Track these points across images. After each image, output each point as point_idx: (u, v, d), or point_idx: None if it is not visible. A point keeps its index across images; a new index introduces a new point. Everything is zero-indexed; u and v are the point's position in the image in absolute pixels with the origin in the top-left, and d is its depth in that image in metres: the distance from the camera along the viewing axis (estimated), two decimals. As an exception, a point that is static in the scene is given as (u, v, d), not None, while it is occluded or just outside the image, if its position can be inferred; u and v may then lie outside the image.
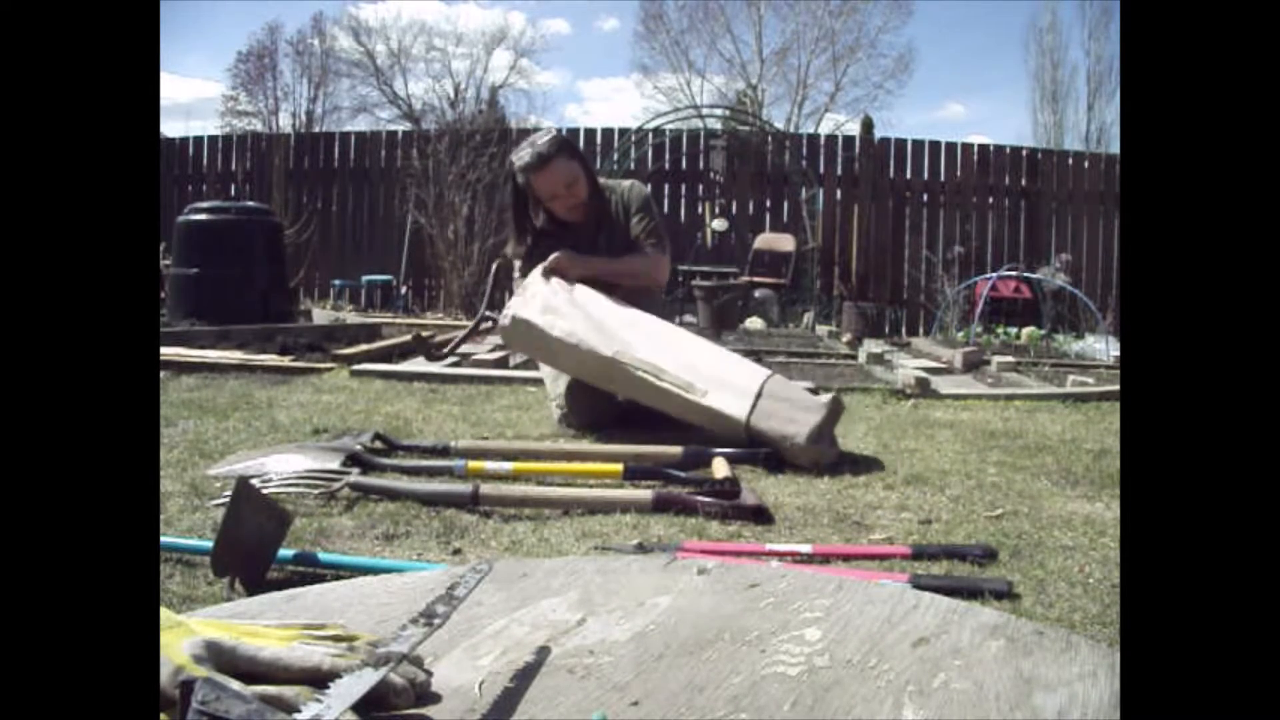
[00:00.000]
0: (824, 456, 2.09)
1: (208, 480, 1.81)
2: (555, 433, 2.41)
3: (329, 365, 3.72)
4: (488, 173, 8.29)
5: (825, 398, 2.28)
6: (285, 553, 1.32)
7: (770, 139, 10.03)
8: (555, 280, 2.43)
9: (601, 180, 2.84)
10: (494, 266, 2.80)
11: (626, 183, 2.86)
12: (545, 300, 2.35)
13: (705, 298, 6.81)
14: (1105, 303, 7.07)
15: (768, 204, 9.56)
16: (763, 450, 2.09)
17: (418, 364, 3.96)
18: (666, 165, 9.55)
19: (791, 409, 2.16)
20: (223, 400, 2.85)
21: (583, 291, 2.43)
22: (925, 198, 9.39)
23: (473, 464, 1.92)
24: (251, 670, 0.65)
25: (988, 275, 7.52)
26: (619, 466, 1.91)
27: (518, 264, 2.78)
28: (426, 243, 8.57)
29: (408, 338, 4.96)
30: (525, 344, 2.29)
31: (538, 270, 2.44)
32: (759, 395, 2.14)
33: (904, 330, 8.56)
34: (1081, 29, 28.15)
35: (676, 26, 24.16)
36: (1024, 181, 9.33)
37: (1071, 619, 1.20)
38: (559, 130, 2.72)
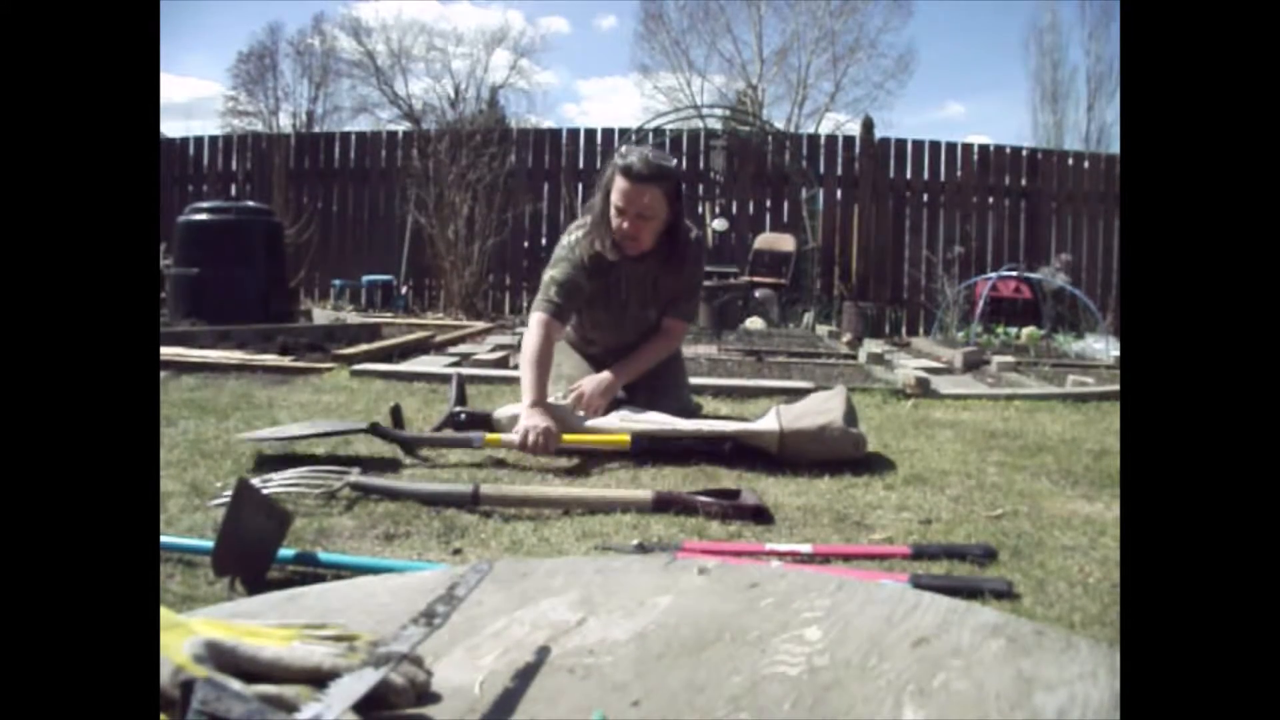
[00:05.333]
0: (862, 441, 2.12)
1: (208, 480, 1.81)
2: None
3: (329, 365, 3.72)
4: (488, 173, 8.29)
5: (836, 388, 2.33)
6: (285, 553, 1.32)
7: (770, 139, 10.03)
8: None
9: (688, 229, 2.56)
10: (455, 376, 2.58)
11: (695, 232, 2.61)
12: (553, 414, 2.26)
13: (705, 298, 6.80)
14: (1105, 303, 7.07)
15: (768, 204, 9.56)
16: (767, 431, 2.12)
17: (418, 364, 3.96)
18: (667, 165, 9.55)
19: (814, 405, 2.21)
20: (223, 400, 2.85)
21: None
22: (925, 198, 9.39)
23: (490, 436, 2.00)
24: (252, 670, 0.65)
25: (988, 275, 7.52)
26: (626, 436, 2.04)
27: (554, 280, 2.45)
28: (427, 243, 8.57)
29: (410, 337, 4.97)
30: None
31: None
32: (778, 413, 2.17)
33: (904, 330, 8.56)
34: (1081, 29, 28.17)
35: (676, 26, 24.21)
36: (1024, 181, 9.33)
37: (1071, 619, 1.20)
38: (675, 162, 2.47)
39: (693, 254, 2.55)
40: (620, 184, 2.36)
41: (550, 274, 2.48)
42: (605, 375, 2.42)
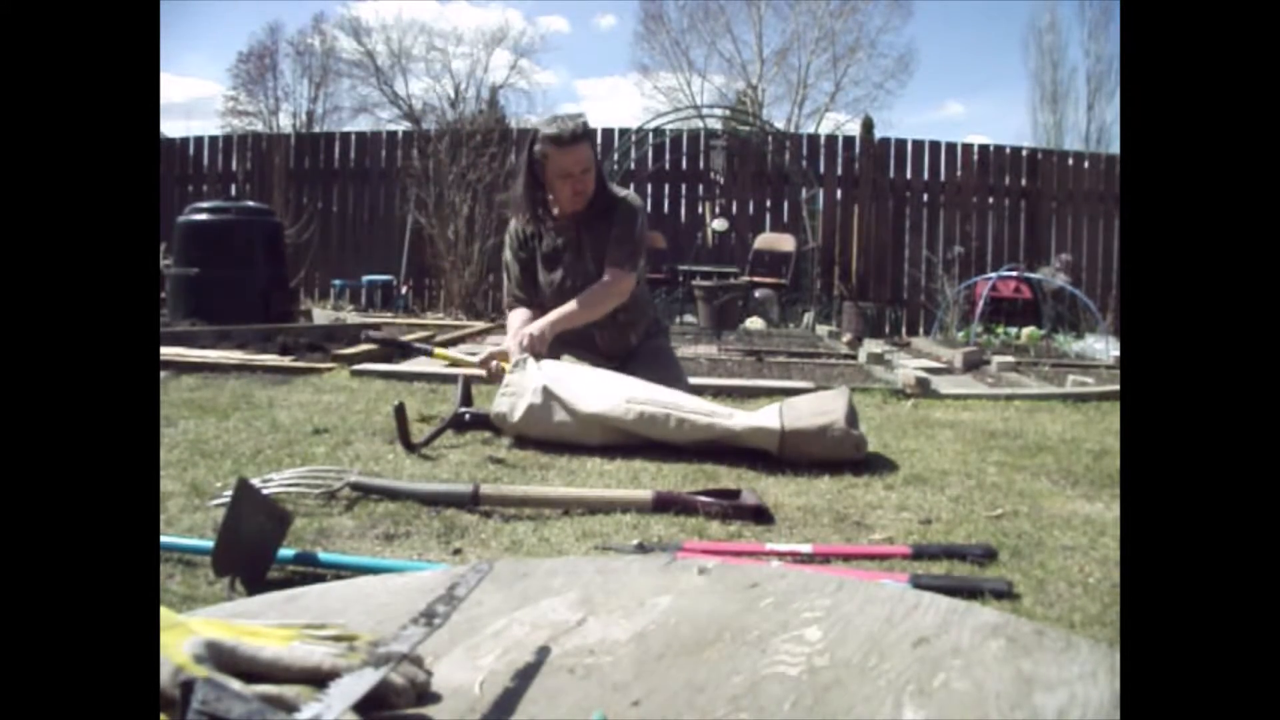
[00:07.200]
0: (863, 443, 2.12)
1: (208, 480, 1.81)
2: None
3: (329, 365, 3.72)
4: (488, 173, 8.29)
5: (838, 388, 2.32)
6: (285, 553, 1.32)
7: (770, 139, 10.02)
8: (536, 359, 2.41)
9: (613, 186, 2.90)
10: (460, 378, 2.58)
11: (626, 192, 2.90)
12: (547, 376, 2.31)
13: (705, 298, 6.82)
14: (1105, 303, 7.07)
15: (768, 204, 9.56)
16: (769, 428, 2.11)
17: (418, 364, 3.95)
18: (666, 165, 9.56)
19: (817, 405, 2.19)
20: (223, 400, 2.85)
21: (563, 368, 2.40)
22: (925, 198, 9.39)
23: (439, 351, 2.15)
24: (252, 670, 0.65)
25: (988, 275, 7.52)
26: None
27: (513, 298, 2.90)
28: (427, 243, 8.57)
29: (410, 337, 4.96)
30: (541, 425, 2.24)
31: (518, 367, 2.38)
32: (780, 411, 2.16)
33: (904, 330, 8.56)
34: (1081, 29, 28.21)
35: (676, 26, 24.26)
36: (1024, 181, 9.34)
37: (1071, 619, 1.20)
38: (583, 118, 2.77)
39: (621, 207, 2.79)
40: (557, 153, 2.64)
41: (506, 268, 2.92)
42: (542, 319, 2.62)
